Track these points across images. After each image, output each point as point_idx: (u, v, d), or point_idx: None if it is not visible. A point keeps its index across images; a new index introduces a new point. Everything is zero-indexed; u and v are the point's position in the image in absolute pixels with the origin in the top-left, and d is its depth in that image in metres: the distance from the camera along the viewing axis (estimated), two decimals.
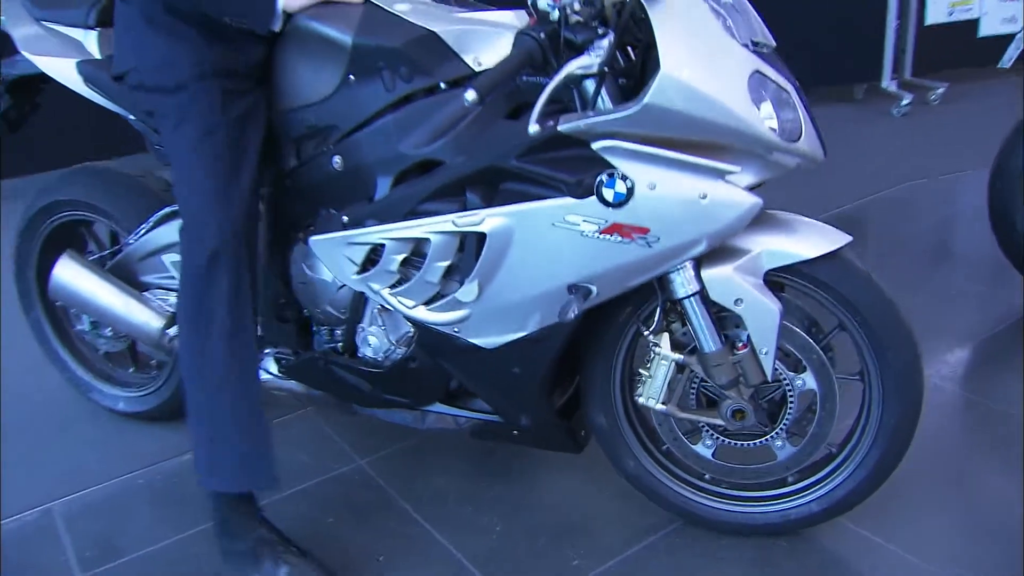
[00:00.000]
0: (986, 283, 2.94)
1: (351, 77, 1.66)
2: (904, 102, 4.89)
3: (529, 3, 1.49)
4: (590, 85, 1.49)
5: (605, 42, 1.45)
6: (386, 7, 1.66)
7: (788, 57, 1.60)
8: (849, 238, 1.61)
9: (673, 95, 1.40)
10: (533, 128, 1.42)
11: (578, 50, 1.46)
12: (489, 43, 1.60)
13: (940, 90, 5.06)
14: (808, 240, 1.59)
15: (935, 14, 5.14)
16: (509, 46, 1.52)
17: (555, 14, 1.46)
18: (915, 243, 3.33)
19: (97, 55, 2.02)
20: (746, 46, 1.50)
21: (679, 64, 1.39)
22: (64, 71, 2.03)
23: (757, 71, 1.47)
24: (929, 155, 4.25)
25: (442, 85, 1.60)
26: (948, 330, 2.68)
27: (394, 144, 1.64)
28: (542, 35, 1.46)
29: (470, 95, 1.39)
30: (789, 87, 1.52)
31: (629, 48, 1.59)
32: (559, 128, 1.46)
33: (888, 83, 5.08)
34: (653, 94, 1.39)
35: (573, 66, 1.43)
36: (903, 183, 3.90)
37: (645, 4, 1.44)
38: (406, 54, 1.61)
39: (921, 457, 1.84)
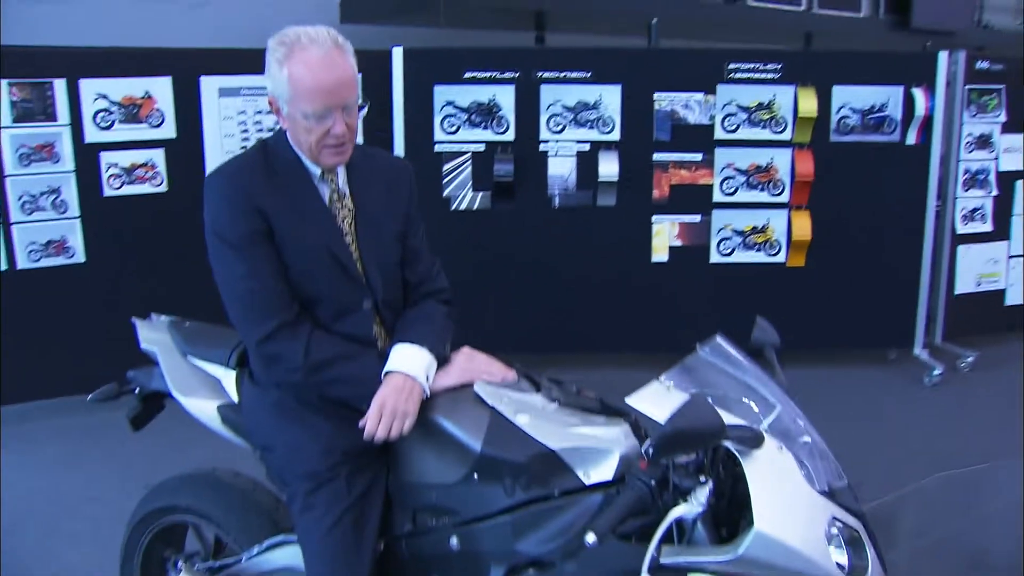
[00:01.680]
0: None
1: (475, 476, 1.89)
2: (935, 372, 5.12)
3: (643, 451, 1.74)
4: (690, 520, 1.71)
5: (705, 490, 1.69)
6: (511, 419, 1.89)
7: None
8: None
9: (763, 548, 1.62)
10: None
11: (682, 494, 1.70)
12: (599, 461, 1.83)
13: (970, 358, 5.32)
14: None
15: (964, 284, 5.49)
16: (615, 462, 1.79)
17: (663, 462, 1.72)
18: (947, 548, 3.39)
19: (234, 395, 2.25)
20: (823, 491, 1.74)
21: (770, 522, 1.62)
22: (205, 412, 2.27)
23: (833, 517, 1.70)
24: (960, 437, 4.40)
25: (556, 494, 1.83)
26: None
27: (510, 541, 1.84)
28: (652, 481, 1.71)
29: (590, 538, 1.63)
30: (859, 526, 1.74)
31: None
32: (661, 562, 1.68)
33: (920, 351, 5.32)
34: (746, 548, 1.62)
35: (677, 512, 1.66)
36: (934, 473, 3.99)
37: (739, 458, 1.68)
38: (527, 467, 1.84)
39: None
